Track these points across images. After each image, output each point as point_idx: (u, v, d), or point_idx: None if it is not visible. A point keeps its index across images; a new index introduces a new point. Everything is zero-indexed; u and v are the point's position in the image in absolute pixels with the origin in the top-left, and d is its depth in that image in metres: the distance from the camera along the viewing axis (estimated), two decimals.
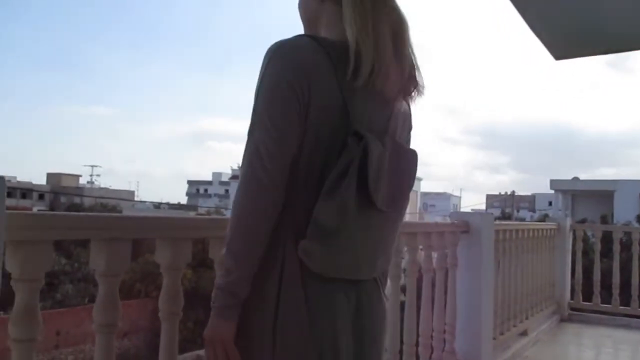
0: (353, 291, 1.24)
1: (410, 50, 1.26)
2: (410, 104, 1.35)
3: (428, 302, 3.01)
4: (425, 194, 55.29)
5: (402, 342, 2.73)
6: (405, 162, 1.28)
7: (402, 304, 2.75)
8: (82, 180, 52.98)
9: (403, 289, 2.83)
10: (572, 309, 5.82)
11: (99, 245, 1.42)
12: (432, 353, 3.05)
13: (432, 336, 3.04)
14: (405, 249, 2.84)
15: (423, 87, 1.30)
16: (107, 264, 1.42)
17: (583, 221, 15.19)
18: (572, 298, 5.82)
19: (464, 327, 3.29)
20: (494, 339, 3.72)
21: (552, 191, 32.37)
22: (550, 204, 42.05)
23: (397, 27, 1.24)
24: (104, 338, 1.43)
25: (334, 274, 1.18)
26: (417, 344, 2.87)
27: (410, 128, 1.38)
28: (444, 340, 3.15)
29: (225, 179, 64.92)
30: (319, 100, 1.15)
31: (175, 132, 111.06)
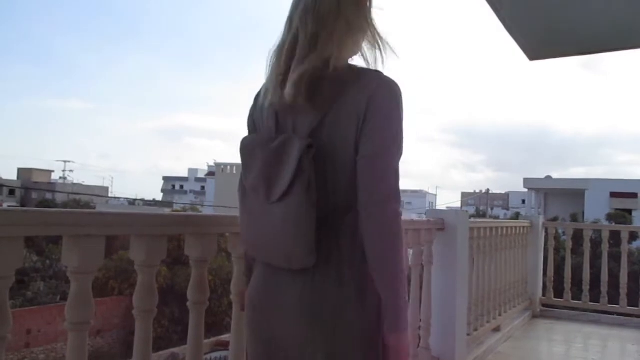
0: None
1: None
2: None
3: None
4: (402, 192, 55.56)
5: None
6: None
7: None
8: (55, 176, 52.05)
9: None
10: (544, 305, 5.93)
11: (71, 242, 1.40)
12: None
13: None
14: None
15: None
16: (80, 261, 1.39)
17: (555, 219, 15.51)
18: (543, 295, 5.94)
19: (438, 324, 3.32)
20: (468, 335, 3.77)
21: (526, 189, 32.95)
22: (523, 202, 42.78)
23: None
24: (77, 336, 1.41)
25: None
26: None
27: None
28: (419, 337, 3.18)
29: (201, 175, 64.39)
30: None
31: (150, 127, 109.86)
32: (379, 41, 1.33)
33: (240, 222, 1.41)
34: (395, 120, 1.27)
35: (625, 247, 5.86)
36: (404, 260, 1.27)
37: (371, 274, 1.26)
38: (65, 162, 53.90)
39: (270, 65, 1.35)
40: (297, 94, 1.25)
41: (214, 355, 12.83)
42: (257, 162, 1.31)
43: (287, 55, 1.30)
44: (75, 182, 50.61)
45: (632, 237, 9.04)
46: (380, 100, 1.25)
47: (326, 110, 1.26)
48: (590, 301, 5.85)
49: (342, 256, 1.28)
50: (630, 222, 19.28)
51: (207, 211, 37.54)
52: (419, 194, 62.61)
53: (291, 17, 1.33)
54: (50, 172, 51.80)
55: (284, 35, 1.34)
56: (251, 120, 1.45)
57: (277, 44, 1.35)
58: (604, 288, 5.76)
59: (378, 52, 1.33)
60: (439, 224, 3.36)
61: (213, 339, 13.80)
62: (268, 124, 1.36)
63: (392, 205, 1.25)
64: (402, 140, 1.29)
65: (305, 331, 1.28)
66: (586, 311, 5.88)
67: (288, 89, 1.26)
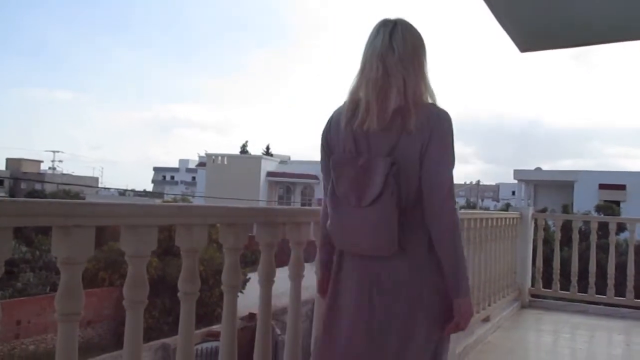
0: None
1: None
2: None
3: None
4: None
5: None
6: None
7: None
8: (44, 166, 51.60)
9: None
10: (533, 295, 5.99)
11: (60, 233, 1.39)
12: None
13: None
14: None
15: None
16: (69, 252, 1.39)
17: (544, 210, 15.63)
18: (532, 285, 5.99)
19: None
20: None
21: (516, 181, 33.12)
22: (513, 193, 43.02)
23: None
24: (67, 327, 1.40)
25: None
26: None
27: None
28: None
29: (192, 165, 64.07)
30: None
31: (141, 118, 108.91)
32: (434, 92, 1.76)
33: (330, 222, 1.77)
34: (449, 142, 1.71)
35: (613, 239, 5.92)
36: (461, 242, 1.72)
37: (433, 256, 1.69)
38: (54, 152, 53.58)
39: (350, 94, 1.76)
40: (382, 122, 1.67)
41: (205, 345, 12.86)
42: (347, 176, 1.70)
43: (374, 91, 1.69)
44: (64, 172, 50.25)
45: (620, 228, 9.12)
46: (439, 128, 1.69)
47: (400, 135, 1.67)
48: (578, 292, 5.91)
49: (413, 243, 1.69)
50: (619, 214, 19.43)
51: (198, 202, 37.45)
52: None
53: (378, 60, 1.70)
54: (39, 162, 51.34)
55: (368, 72, 1.72)
56: (325, 139, 1.84)
57: (359, 80, 1.74)
58: (592, 279, 5.82)
59: (435, 98, 1.75)
60: None
61: (204, 330, 13.83)
62: (347, 145, 1.74)
63: (450, 204, 1.68)
64: (454, 156, 1.72)
65: (389, 299, 1.71)
66: (574, 301, 5.94)
67: (376, 118, 1.67)
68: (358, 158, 1.70)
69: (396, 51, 1.70)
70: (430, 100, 1.74)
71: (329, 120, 1.84)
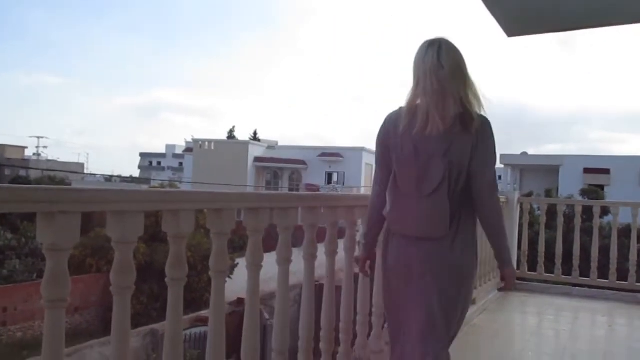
0: None
1: None
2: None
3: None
4: None
5: (355, 312, 2.79)
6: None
7: (357, 276, 2.80)
8: (28, 152, 50.90)
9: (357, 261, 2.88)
10: (518, 278, 6.06)
11: (45, 219, 1.38)
12: (384, 322, 3.13)
13: None
14: (360, 221, 2.87)
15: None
16: (55, 238, 1.38)
17: (530, 195, 15.77)
18: (518, 268, 6.06)
19: None
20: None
21: (502, 165, 33.38)
22: (500, 177, 43.34)
23: None
24: (53, 313, 1.40)
25: None
26: (370, 314, 2.93)
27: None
28: None
29: (179, 151, 63.65)
30: None
31: (127, 103, 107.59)
32: (480, 96, 2.10)
33: (391, 210, 2.13)
34: (492, 145, 2.11)
35: (597, 222, 6.01)
36: (504, 223, 2.25)
37: (473, 237, 2.17)
38: (38, 138, 52.78)
39: (408, 103, 2.09)
40: (444, 127, 2.00)
41: (193, 330, 12.90)
42: (408, 172, 2.07)
43: (432, 101, 2.01)
44: (49, 158, 49.65)
45: (604, 212, 9.25)
46: (484, 133, 2.07)
47: (455, 138, 2.02)
48: (563, 274, 6.00)
49: (460, 228, 2.09)
50: (603, 198, 19.67)
51: (185, 188, 37.28)
52: None
53: (432, 75, 2.02)
54: (23, 148, 50.59)
55: (424, 86, 2.03)
56: (383, 140, 2.18)
57: (415, 92, 2.07)
58: (576, 261, 5.90)
59: (481, 102, 2.10)
60: None
61: (193, 315, 13.86)
62: (407, 146, 2.07)
63: (494, 194, 2.13)
64: (496, 155, 2.13)
65: (437, 271, 2.08)
66: (558, 284, 6.04)
67: (438, 123, 2.00)
68: (418, 157, 2.04)
69: (445, 67, 2.02)
70: (477, 105, 2.08)
71: (383, 124, 2.19)
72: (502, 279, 2.25)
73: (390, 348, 2.30)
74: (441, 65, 2.02)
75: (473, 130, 2.02)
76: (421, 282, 2.08)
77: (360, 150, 42.97)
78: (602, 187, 24.66)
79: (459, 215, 2.07)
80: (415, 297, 2.10)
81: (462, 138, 2.02)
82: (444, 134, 2.01)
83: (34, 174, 36.05)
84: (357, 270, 2.82)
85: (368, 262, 2.38)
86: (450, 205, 2.02)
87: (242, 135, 52.26)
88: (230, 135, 51.88)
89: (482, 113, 2.10)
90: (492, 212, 2.12)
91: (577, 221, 5.97)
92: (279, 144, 47.86)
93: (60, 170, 36.80)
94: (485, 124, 2.08)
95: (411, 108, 2.07)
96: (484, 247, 5.02)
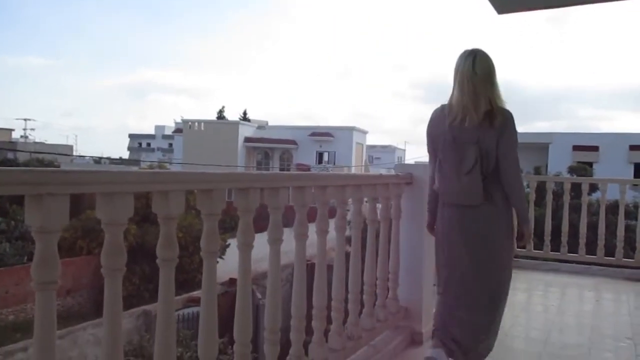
0: None
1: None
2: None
3: (373, 252, 3.09)
4: (371, 147, 55.95)
5: (347, 290, 2.81)
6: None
7: (348, 255, 2.81)
8: (15, 135, 50.27)
9: (348, 240, 2.89)
10: None
11: (33, 201, 1.36)
12: (376, 300, 3.16)
13: (376, 284, 3.14)
14: (350, 200, 2.88)
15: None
16: (43, 221, 1.36)
17: None
18: None
19: (406, 275, 3.41)
20: (435, 285, 3.88)
21: None
22: None
23: None
24: (44, 295, 1.39)
25: None
26: (361, 292, 2.96)
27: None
28: (388, 288, 3.26)
29: (168, 132, 63.16)
30: None
31: (115, 84, 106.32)
32: (502, 96, 2.70)
33: (439, 186, 2.76)
34: (514, 133, 2.68)
35: (585, 199, 6.07)
36: (525, 194, 2.88)
37: (505, 205, 2.70)
38: (26, 120, 52.17)
39: (450, 102, 2.71)
40: (476, 121, 2.62)
41: (186, 311, 12.96)
42: (450, 157, 2.68)
43: (470, 101, 2.61)
44: (37, 140, 49.08)
45: (592, 188, 9.32)
46: (506, 125, 2.65)
47: (484, 129, 2.62)
48: (551, 251, 6.07)
49: (493, 197, 2.66)
50: (591, 175, 19.84)
51: (175, 169, 37.11)
52: (388, 149, 63.05)
53: (468, 80, 2.62)
54: (10, 130, 49.92)
55: (462, 88, 2.64)
56: (432, 130, 2.81)
57: (455, 93, 2.67)
58: (564, 238, 5.98)
59: (502, 100, 2.69)
60: (407, 178, 3.40)
61: (185, 295, 13.91)
62: (448, 137, 2.69)
63: (518, 173, 2.72)
64: (517, 141, 2.68)
65: (479, 230, 2.71)
66: (547, 260, 6.11)
67: (473, 118, 2.61)
68: (456, 144, 2.65)
69: (479, 74, 2.61)
70: (500, 102, 2.65)
71: (431, 119, 2.83)
72: (521, 235, 2.83)
73: (438, 299, 2.92)
74: (475, 72, 2.61)
75: (497, 124, 2.60)
76: (458, 247, 2.73)
77: (351, 129, 42.91)
78: (590, 164, 24.83)
79: (493, 189, 2.65)
80: (455, 260, 2.75)
81: (489, 130, 2.60)
82: (476, 126, 2.60)
83: (22, 157, 35.65)
84: (348, 248, 2.84)
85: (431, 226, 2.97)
86: (483, 181, 2.61)
87: (232, 115, 51.94)
88: (220, 115, 51.54)
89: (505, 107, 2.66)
90: (514, 188, 2.68)
91: (566, 198, 6.02)
92: (269, 124, 47.65)
93: (49, 153, 36.42)
94: (507, 118, 2.65)
95: (451, 105, 2.67)
96: None
